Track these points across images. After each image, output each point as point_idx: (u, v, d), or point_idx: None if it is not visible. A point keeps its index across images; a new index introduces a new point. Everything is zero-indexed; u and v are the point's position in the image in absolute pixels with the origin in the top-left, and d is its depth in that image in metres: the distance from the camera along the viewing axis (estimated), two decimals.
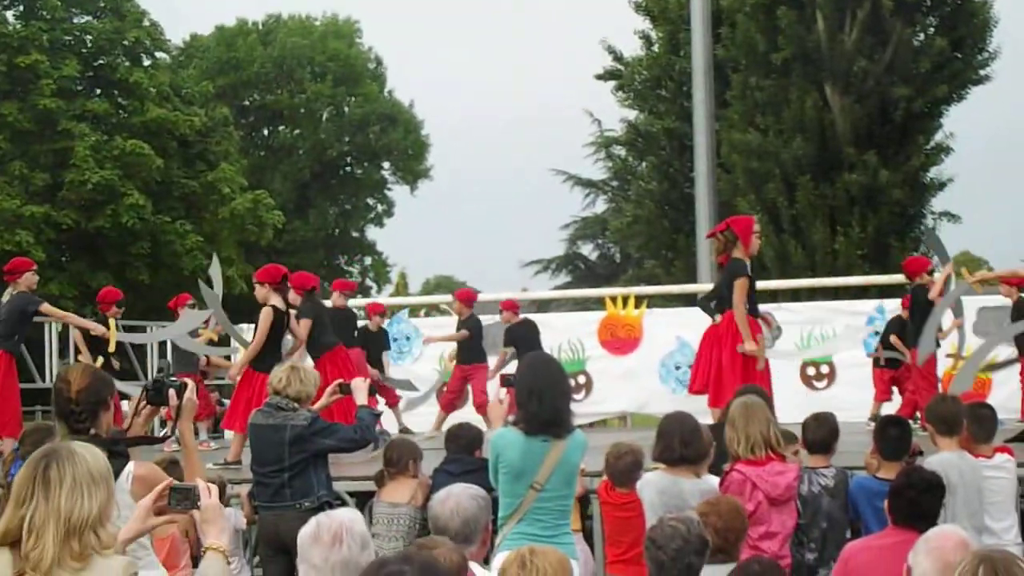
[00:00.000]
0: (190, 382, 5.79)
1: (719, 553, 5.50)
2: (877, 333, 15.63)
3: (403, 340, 18.26)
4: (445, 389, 15.48)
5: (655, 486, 7.11)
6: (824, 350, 16.64)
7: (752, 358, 10.50)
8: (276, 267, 12.47)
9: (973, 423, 7.98)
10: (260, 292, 12.04)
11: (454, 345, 15.72)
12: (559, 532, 6.43)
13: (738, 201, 30.20)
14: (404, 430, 15.15)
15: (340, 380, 8.83)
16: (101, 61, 33.98)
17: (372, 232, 50.26)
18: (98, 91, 34.06)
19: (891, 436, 7.68)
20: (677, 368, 16.94)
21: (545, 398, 6.37)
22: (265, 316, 11.82)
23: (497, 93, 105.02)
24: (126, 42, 34.07)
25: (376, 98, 47.61)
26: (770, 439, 7.17)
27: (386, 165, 49.09)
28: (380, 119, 47.04)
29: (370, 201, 49.58)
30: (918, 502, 5.97)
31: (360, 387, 8.32)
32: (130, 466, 5.29)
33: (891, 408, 13.42)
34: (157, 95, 33.66)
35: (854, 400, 14.59)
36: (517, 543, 6.00)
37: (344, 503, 8.97)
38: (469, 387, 15.18)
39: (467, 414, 14.27)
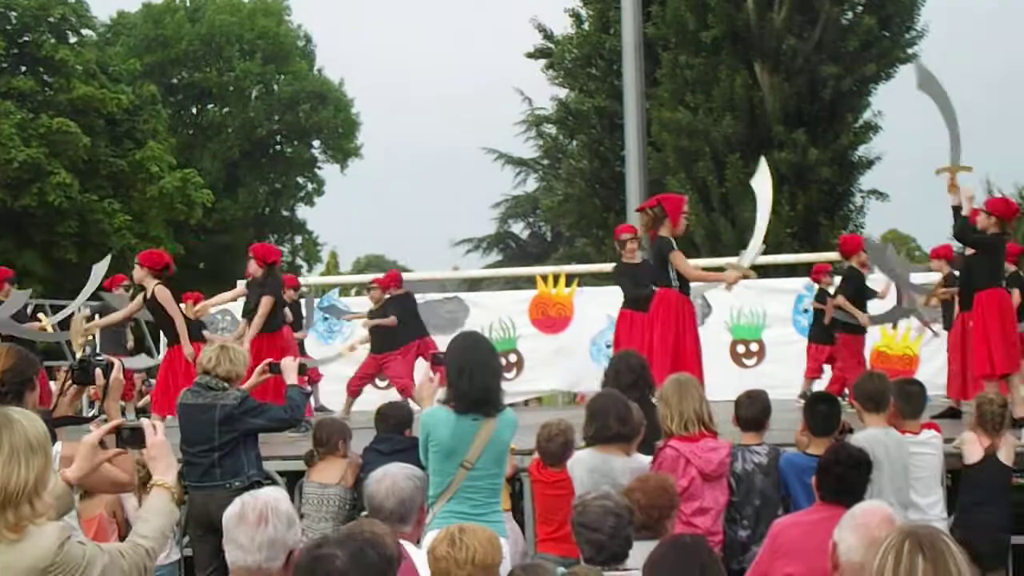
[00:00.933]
0: (116, 361, 5.73)
1: (644, 529, 5.56)
2: (806, 311, 15.76)
3: (333, 320, 18.14)
4: (355, 373, 15.19)
5: (585, 464, 7.15)
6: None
7: (682, 338, 10.54)
8: (161, 255, 12.41)
9: (900, 399, 8.10)
10: (138, 273, 12.05)
11: (364, 331, 15.56)
12: (489, 511, 6.42)
13: (668, 180, 30.29)
14: (321, 409, 15.14)
15: (269, 360, 8.79)
16: (26, 38, 33.54)
17: (302, 211, 50.09)
18: (23, 69, 33.61)
19: (820, 413, 7.75)
20: (608, 347, 16.99)
21: (475, 376, 6.36)
22: (138, 300, 12.05)
23: (427, 71, 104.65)
24: (51, 19, 33.64)
25: (305, 76, 47.32)
26: (703, 416, 7.25)
27: (316, 144, 48.86)
28: (310, 97, 46.74)
29: (300, 180, 49.32)
30: (845, 478, 6.02)
31: (290, 367, 8.29)
32: (57, 446, 5.22)
33: (821, 385, 13.54)
34: (84, 73, 33.27)
35: (783, 377, 14.72)
36: (447, 522, 5.98)
37: (275, 482, 8.92)
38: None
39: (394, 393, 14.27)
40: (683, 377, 7.59)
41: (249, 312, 12.55)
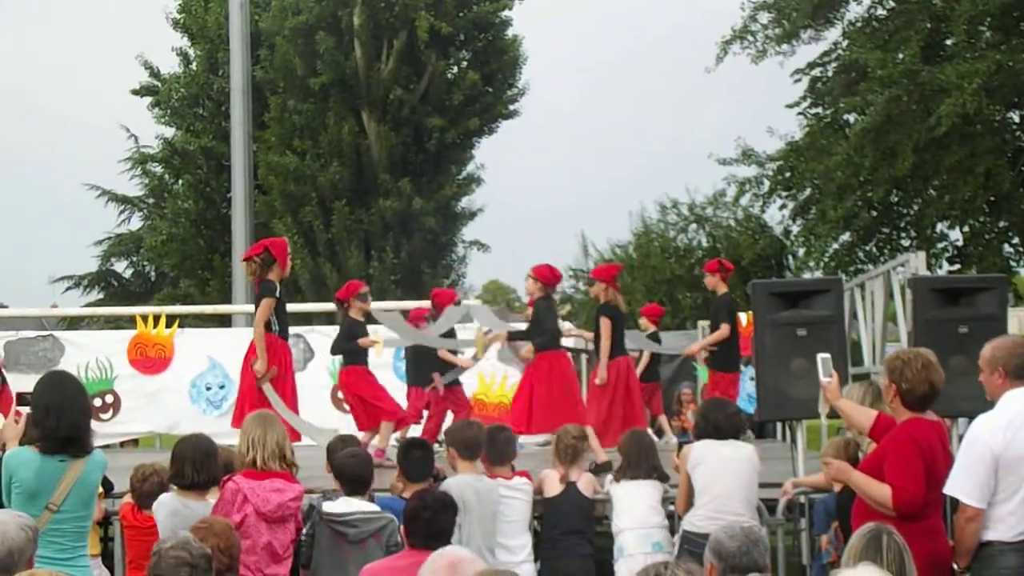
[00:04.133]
0: None
1: (226, 572, 5.49)
2: (404, 359, 16.02)
3: None
4: None
5: (167, 508, 7.10)
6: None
7: (282, 381, 10.65)
8: None
9: (489, 446, 8.38)
10: None
11: None
12: (76, 555, 6.27)
13: (275, 223, 30.24)
14: None
15: None
16: None
17: None
18: None
19: (414, 458, 7.94)
20: (208, 388, 16.78)
21: (64, 415, 6.19)
22: None
23: (28, 102, 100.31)
24: None
25: None
26: (283, 456, 7.20)
27: None
28: None
29: None
30: (431, 523, 6.09)
31: None
32: None
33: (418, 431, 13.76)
34: None
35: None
36: (30, 567, 5.86)
37: None
38: None
39: None
40: (266, 415, 7.54)
41: None
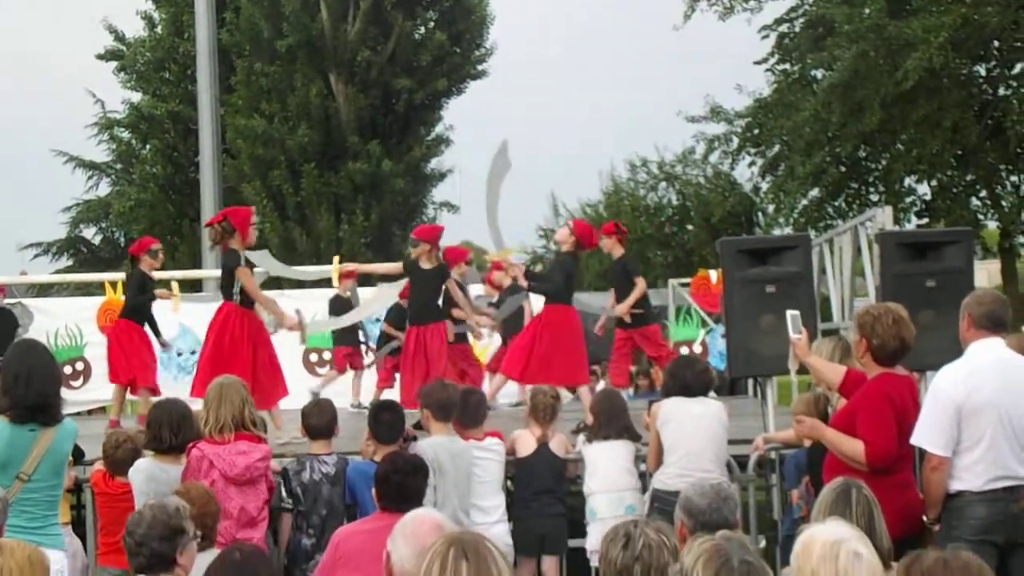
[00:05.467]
0: None
1: (201, 540, 5.48)
2: (379, 320, 16.01)
3: None
4: None
5: (144, 472, 7.13)
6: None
7: (258, 350, 10.60)
8: None
9: (461, 408, 8.37)
10: None
11: None
12: (47, 524, 6.27)
13: (244, 187, 30.14)
14: None
15: None
16: None
17: None
18: None
19: (384, 421, 7.92)
20: (179, 355, 16.73)
21: (33, 384, 6.17)
22: None
23: None
24: None
25: None
26: (243, 420, 7.20)
27: None
28: None
29: None
30: (403, 485, 6.11)
31: None
32: None
33: (392, 394, 13.75)
34: None
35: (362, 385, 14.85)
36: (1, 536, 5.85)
37: None
38: None
39: None
40: (227, 380, 7.51)
41: None
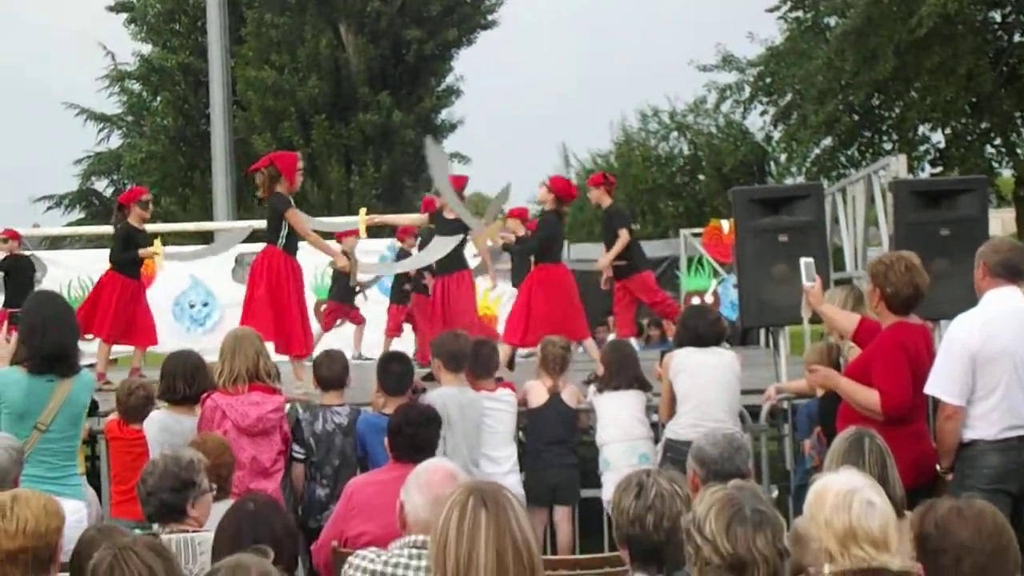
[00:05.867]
0: None
1: (216, 491, 5.50)
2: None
3: None
4: None
5: (159, 423, 7.15)
6: None
7: (289, 297, 10.54)
8: None
9: (473, 359, 8.36)
10: None
11: None
12: (66, 474, 6.29)
13: (254, 139, 30.09)
14: None
15: None
16: None
17: None
18: None
19: (393, 372, 7.90)
20: (191, 307, 16.80)
21: (50, 334, 6.17)
22: None
23: (4, 14, 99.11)
24: None
25: None
26: (258, 371, 7.19)
27: None
28: None
29: None
30: (415, 436, 6.11)
31: None
32: None
33: (401, 345, 13.76)
34: None
35: (367, 337, 14.89)
36: (21, 487, 5.87)
37: None
38: None
39: None
40: (241, 332, 7.54)
41: None
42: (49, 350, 6.17)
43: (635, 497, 4.12)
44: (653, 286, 12.72)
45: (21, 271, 14.73)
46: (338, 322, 14.30)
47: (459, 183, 12.32)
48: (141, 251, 11.98)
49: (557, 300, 11.04)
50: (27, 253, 16.84)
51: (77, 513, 6.13)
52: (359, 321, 14.68)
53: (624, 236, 12.26)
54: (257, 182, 10.82)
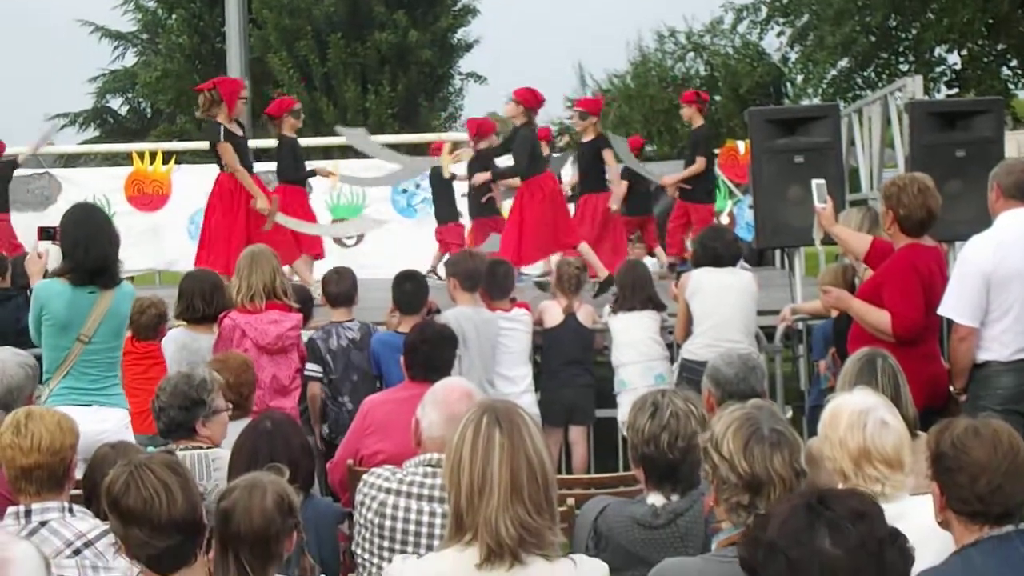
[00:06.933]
0: None
1: (234, 409, 5.55)
2: (404, 191, 16.04)
3: None
4: None
5: (177, 341, 7.20)
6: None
7: (260, 218, 10.58)
8: None
9: (488, 279, 8.38)
10: None
11: None
12: (108, 384, 6.30)
13: (270, 58, 29.99)
14: None
15: None
16: None
17: None
18: None
19: (406, 290, 7.93)
20: None
21: (92, 247, 6.15)
22: None
23: None
24: None
25: None
26: (275, 289, 7.18)
27: None
28: None
29: None
30: (431, 355, 6.12)
31: None
32: None
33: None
34: None
35: (383, 256, 14.88)
36: (65, 398, 5.98)
37: None
38: None
39: None
40: (257, 249, 7.51)
41: None
42: (92, 263, 6.16)
43: (650, 416, 4.16)
44: (711, 221, 12.79)
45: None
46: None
47: (489, 128, 12.44)
48: (318, 168, 11.93)
49: (546, 212, 11.02)
50: (39, 172, 16.91)
51: (122, 420, 6.28)
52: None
53: (700, 163, 12.39)
54: (199, 102, 10.81)
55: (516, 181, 11.67)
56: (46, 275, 6.35)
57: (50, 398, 6.04)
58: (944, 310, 6.26)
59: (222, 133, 10.53)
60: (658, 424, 4.13)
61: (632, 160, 13.31)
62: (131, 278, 17.65)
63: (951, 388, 6.34)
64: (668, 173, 13.79)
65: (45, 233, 6.58)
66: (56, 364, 6.18)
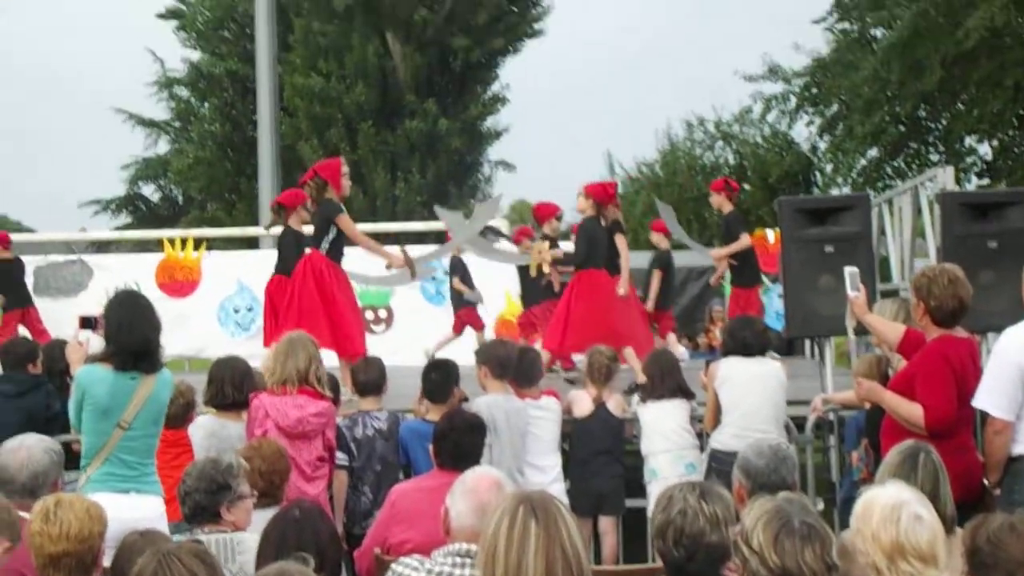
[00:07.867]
0: None
1: (264, 496, 5.53)
2: (434, 278, 16.04)
3: None
4: None
5: (205, 428, 7.19)
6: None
7: (337, 302, 10.52)
8: None
9: (517, 367, 8.34)
10: None
11: None
12: (145, 472, 6.26)
13: (301, 145, 30.26)
14: None
15: None
16: None
17: None
18: None
19: (433, 380, 7.94)
20: (236, 311, 16.84)
21: (136, 331, 6.17)
22: None
23: (52, 27, 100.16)
24: None
25: None
26: (307, 375, 7.12)
27: None
28: None
29: None
30: (460, 444, 6.12)
31: None
32: None
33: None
34: None
35: (411, 343, 14.89)
36: (104, 485, 5.95)
37: None
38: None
39: None
40: (296, 335, 7.47)
41: None
42: (135, 347, 6.18)
43: (661, 510, 4.10)
44: (756, 304, 12.76)
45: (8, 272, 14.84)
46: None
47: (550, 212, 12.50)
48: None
49: (596, 307, 10.98)
50: (72, 259, 17.03)
51: (158, 508, 6.21)
52: (479, 327, 14.35)
53: (745, 239, 12.37)
54: (308, 194, 10.86)
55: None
56: (87, 362, 6.37)
57: (88, 484, 6.01)
58: (979, 402, 6.19)
59: (340, 207, 10.51)
60: (665, 519, 4.06)
61: (681, 232, 13.35)
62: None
63: (985, 481, 6.26)
64: (698, 257, 13.76)
65: (86, 322, 6.59)
66: (95, 450, 6.14)
